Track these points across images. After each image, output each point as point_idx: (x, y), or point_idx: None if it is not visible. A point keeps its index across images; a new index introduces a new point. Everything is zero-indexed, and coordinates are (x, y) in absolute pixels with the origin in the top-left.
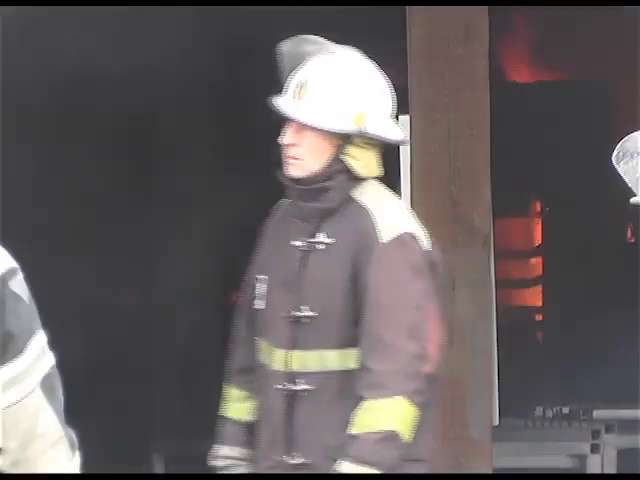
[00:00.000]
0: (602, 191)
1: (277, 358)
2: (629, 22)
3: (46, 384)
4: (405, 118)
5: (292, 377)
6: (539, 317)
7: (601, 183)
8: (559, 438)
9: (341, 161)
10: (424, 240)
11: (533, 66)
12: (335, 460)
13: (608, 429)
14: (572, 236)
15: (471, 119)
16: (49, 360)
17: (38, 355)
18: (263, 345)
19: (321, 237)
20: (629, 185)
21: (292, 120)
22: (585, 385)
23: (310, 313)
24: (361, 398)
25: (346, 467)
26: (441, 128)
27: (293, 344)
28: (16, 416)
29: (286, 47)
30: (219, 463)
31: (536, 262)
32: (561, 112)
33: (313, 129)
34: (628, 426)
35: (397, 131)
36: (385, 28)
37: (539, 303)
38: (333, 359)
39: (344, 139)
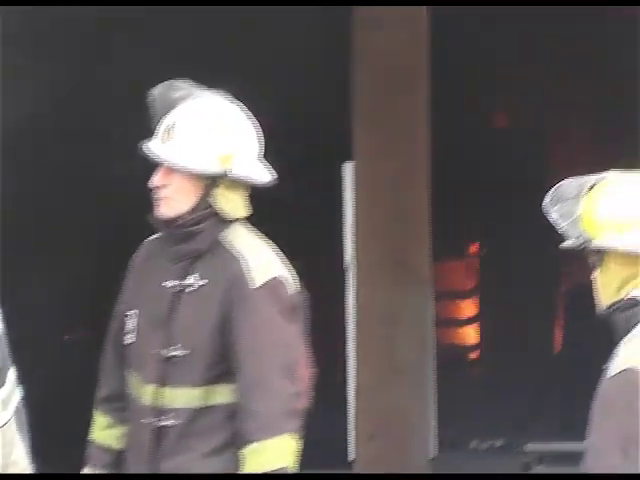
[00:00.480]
0: (536, 235)
1: (146, 393)
2: (561, 74)
3: (17, 415)
4: (349, 165)
5: (160, 412)
6: (476, 354)
7: (536, 227)
8: (493, 470)
9: (209, 202)
10: (292, 283)
11: (473, 115)
12: None
13: (539, 461)
14: (507, 277)
15: (412, 165)
16: (19, 393)
17: (14, 386)
18: (133, 379)
19: (192, 279)
20: (560, 230)
21: (161, 163)
22: (518, 419)
23: (180, 352)
24: (249, 441)
25: None
26: (383, 175)
27: (163, 381)
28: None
29: (156, 92)
30: None
31: (473, 302)
32: (498, 158)
33: (181, 171)
34: (558, 458)
35: (264, 173)
36: (329, 74)
37: (476, 341)
38: (199, 396)
39: (211, 180)
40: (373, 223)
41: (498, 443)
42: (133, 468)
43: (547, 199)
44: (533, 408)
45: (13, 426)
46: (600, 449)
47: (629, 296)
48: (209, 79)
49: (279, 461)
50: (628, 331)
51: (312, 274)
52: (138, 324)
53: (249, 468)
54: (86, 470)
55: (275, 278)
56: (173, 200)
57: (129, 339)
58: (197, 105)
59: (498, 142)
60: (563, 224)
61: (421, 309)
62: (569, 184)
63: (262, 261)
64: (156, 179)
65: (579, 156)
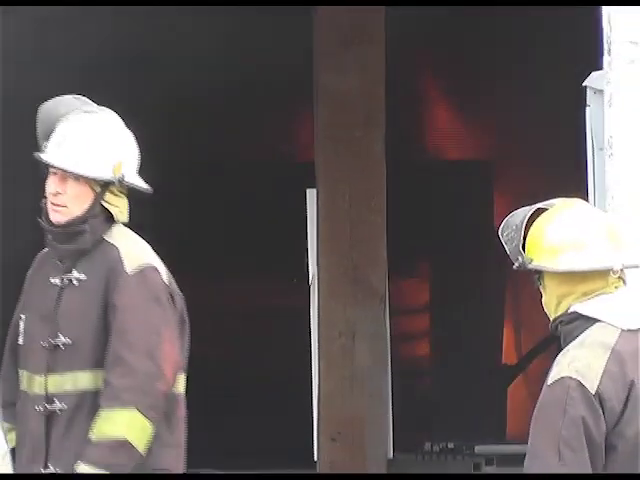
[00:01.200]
0: (485, 255)
1: (37, 383)
2: (505, 108)
3: None
4: (312, 191)
5: (50, 399)
6: (428, 365)
7: (484, 248)
8: (445, 470)
9: (99, 206)
10: (165, 274)
11: (424, 146)
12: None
13: (487, 462)
14: (456, 294)
15: (369, 192)
16: None
17: None
18: (25, 375)
19: (75, 274)
20: (508, 253)
21: (55, 170)
22: (468, 424)
23: (65, 340)
24: (100, 408)
25: (81, 469)
26: (343, 200)
27: (51, 369)
28: None
29: (45, 107)
30: None
31: (425, 317)
32: (448, 187)
33: (75, 177)
34: (505, 459)
35: (144, 183)
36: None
37: (427, 353)
38: (86, 380)
39: (103, 186)
40: (334, 244)
41: (450, 445)
42: (27, 456)
43: (500, 226)
44: (481, 414)
45: None
46: (537, 450)
47: (570, 310)
48: None
49: (120, 432)
50: (569, 342)
51: (277, 289)
52: (28, 322)
53: (94, 433)
54: None
55: (149, 265)
56: (68, 207)
57: (20, 340)
58: (88, 117)
59: (448, 171)
60: (508, 248)
61: (378, 323)
62: (516, 214)
63: (136, 251)
64: (52, 186)
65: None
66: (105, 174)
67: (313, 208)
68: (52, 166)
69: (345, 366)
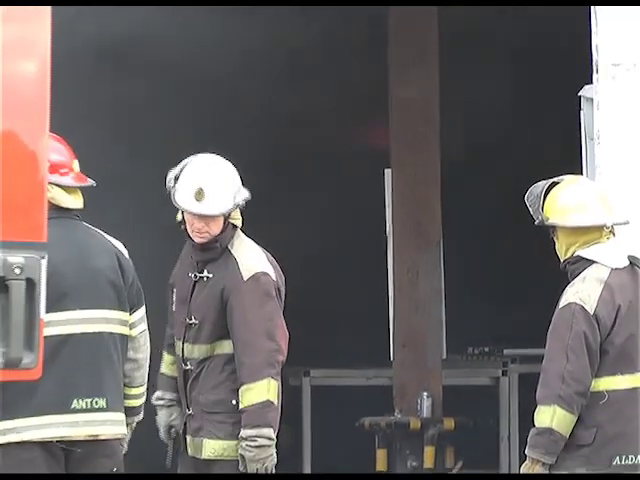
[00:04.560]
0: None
1: (177, 348)
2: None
3: None
4: (388, 171)
5: (185, 360)
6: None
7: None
8: (482, 366)
9: (229, 223)
10: (272, 275)
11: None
12: (206, 412)
13: (513, 361)
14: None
15: (428, 170)
16: None
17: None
18: (175, 339)
19: (205, 273)
20: (532, 213)
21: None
22: (499, 331)
23: (194, 320)
24: (242, 383)
25: (247, 433)
26: (409, 176)
27: (185, 339)
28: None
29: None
30: (158, 402)
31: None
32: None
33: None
34: (526, 359)
35: (248, 193)
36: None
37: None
38: (205, 350)
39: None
40: (403, 207)
41: (486, 349)
42: (180, 394)
43: (526, 195)
44: (511, 324)
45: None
46: (551, 355)
47: (575, 255)
48: None
49: (263, 396)
50: (574, 278)
51: (364, 239)
52: (175, 301)
53: (243, 401)
54: (157, 393)
55: (259, 272)
56: (209, 234)
57: (172, 307)
58: (212, 168)
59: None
60: (532, 210)
61: (435, 263)
62: (537, 185)
63: (251, 260)
64: (198, 226)
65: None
66: (233, 205)
67: (389, 182)
68: (202, 215)
69: (411, 294)
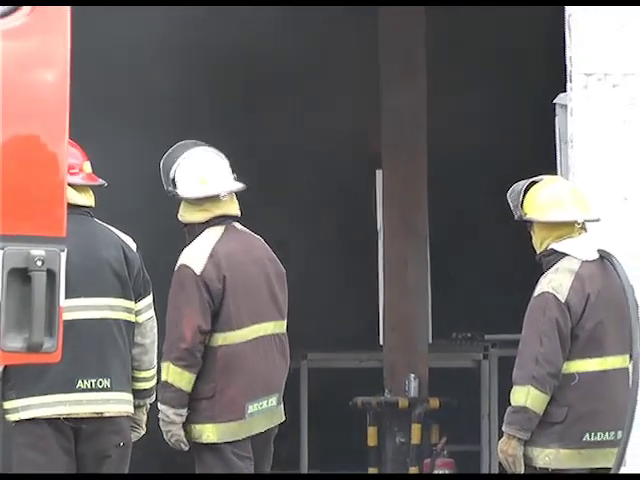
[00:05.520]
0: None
1: None
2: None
3: None
4: (379, 171)
5: None
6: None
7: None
8: (465, 350)
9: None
10: (199, 267)
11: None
12: None
13: (493, 345)
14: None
15: (415, 171)
16: None
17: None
18: None
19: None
20: (512, 209)
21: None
22: (481, 318)
23: None
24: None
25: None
26: (398, 176)
27: None
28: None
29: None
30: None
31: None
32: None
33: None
34: (505, 344)
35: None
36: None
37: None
38: None
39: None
40: (393, 203)
41: (468, 334)
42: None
43: (508, 192)
44: (491, 311)
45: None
46: (526, 339)
47: (549, 248)
48: None
49: (162, 377)
50: (548, 269)
51: (358, 232)
52: None
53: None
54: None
55: (182, 264)
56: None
57: None
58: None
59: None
60: (512, 206)
61: (422, 254)
62: (518, 183)
63: (183, 255)
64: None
65: None
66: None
67: (380, 182)
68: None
69: (400, 282)
